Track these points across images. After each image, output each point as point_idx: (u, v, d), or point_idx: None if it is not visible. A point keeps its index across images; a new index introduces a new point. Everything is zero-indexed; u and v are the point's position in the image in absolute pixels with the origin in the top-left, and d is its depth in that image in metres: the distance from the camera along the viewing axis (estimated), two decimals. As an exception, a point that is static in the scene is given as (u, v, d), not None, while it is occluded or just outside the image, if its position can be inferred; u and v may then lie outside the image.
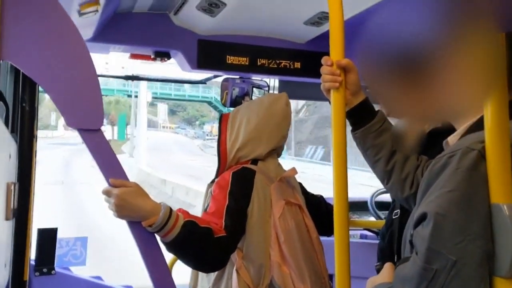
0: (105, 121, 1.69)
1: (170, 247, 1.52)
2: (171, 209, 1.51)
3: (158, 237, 1.50)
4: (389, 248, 1.83)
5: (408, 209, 1.69)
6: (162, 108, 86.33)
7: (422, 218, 0.95)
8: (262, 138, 1.82)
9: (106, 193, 1.47)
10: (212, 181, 1.86)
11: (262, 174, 1.77)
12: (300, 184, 1.99)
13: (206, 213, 1.66)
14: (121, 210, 1.45)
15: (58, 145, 42.50)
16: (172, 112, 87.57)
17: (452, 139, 1.18)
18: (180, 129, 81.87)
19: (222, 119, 1.90)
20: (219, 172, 1.84)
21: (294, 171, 1.89)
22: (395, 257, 1.79)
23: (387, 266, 1.19)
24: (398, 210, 1.82)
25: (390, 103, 1.52)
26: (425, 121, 1.59)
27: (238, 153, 1.81)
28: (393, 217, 1.85)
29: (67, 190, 16.87)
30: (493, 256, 0.90)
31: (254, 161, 1.83)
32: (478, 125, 1.07)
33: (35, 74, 1.40)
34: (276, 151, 1.92)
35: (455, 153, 0.97)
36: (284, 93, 2.02)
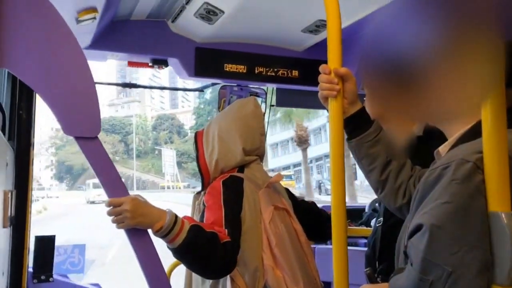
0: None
1: (178, 252, 1.54)
2: (176, 215, 1.54)
3: (165, 244, 1.52)
4: (373, 254, 1.85)
5: (390, 218, 1.70)
6: (169, 156, 57.54)
7: (417, 229, 0.95)
8: (236, 141, 1.82)
9: (115, 202, 1.48)
10: (198, 193, 1.87)
11: (249, 181, 1.78)
12: (287, 189, 2.00)
13: (207, 223, 1.66)
14: (135, 216, 1.48)
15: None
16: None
17: (443, 148, 1.18)
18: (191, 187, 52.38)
19: (197, 136, 1.92)
20: (204, 185, 1.85)
21: (279, 177, 1.91)
22: (377, 263, 1.80)
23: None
24: (382, 219, 1.84)
25: (385, 105, 1.53)
26: (418, 121, 1.60)
27: (219, 164, 1.82)
28: (377, 225, 1.86)
29: None
30: (492, 265, 0.90)
31: (240, 169, 1.83)
32: (469, 135, 1.08)
33: (32, 82, 1.40)
34: (259, 157, 1.92)
35: (449, 165, 0.97)
36: (252, 97, 2.01)
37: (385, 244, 1.78)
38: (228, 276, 1.65)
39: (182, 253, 1.54)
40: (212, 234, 1.55)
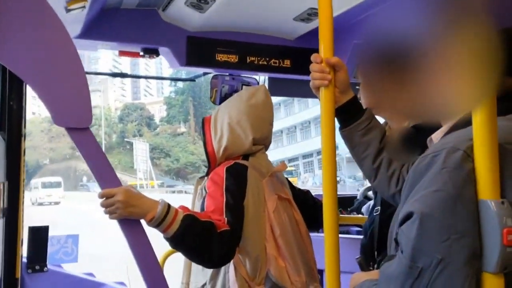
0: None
1: (173, 242, 1.54)
2: (169, 204, 1.54)
3: (158, 235, 1.53)
4: (370, 244, 1.85)
5: (389, 206, 1.71)
6: (141, 150, 50.14)
7: (408, 217, 0.96)
8: (247, 131, 1.82)
9: (107, 193, 1.49)
10: (201, 177, 1.87)
11: (254, 169, 1.78)
12: (287, 178, 2.00)
13: (205, 212, 1.66)
14: (128, 206, 1.48)
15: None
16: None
17: (436, 136, 1.19)
18: (171, 187, 44.70)
19: (205, 121, 1.91)
20: (209, 171, 1.84)
21: (284, 166, 1.91)
22: (376, 253, 1.81)
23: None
24: (379, 207, 1.84)
25: (380, 97, 1.54)
26: (411, 118, 1.61)
27: (226, 151, 1.81)
28: (374, 214, 1.87)
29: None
30: (481, 253, 0.91)
31: (245, 157, 1.83)
32: (463, 122, 1.08)
33: (22, 72, 1.39)
34: (265, 146, 1.92)
35: (440, 153, 0.97)
36: (262, 85, 2.01)
37: (383, 233, 1.77)
38: (231, 264, 1.65)
39: (176, 243, 1.55)
40: (207, 223, 1.55)
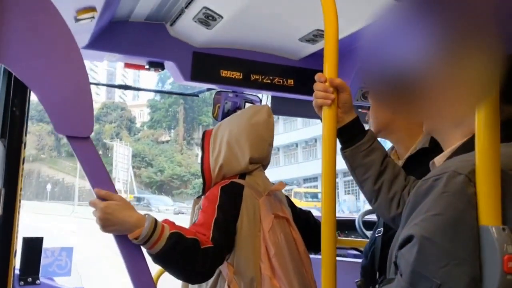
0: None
1: (157, 259, 1.49)
2: (156, 221, 1.49)
3: (144, 249, 1.48)
4: (371, 266, 1.83)
5: (391, 228, 1.70)
6: (122, 155, 42.00)
7: (408, 240, 0.95)
8: (244, 150, 1.80)
9: (93, 205, 1.45)
10: (198, 197, 1.85)
11: (250, 188, 1.76)
12: (287, 197, 1.99)
13: (195, 224, 1.64)
14: (107, 224, 1.43)
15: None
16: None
17: (438, 160, 1.19)
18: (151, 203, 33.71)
19: (205, 136, 1.88)
20: (205, 189, 1.82)
21: (281, 185, 1.89)
22: (377, 274, 1.79)
23: None
24: (381, 229, 1.83)
25: (392, 112, 1.56)
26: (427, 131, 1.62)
27: (222, 169, 1.79)
28: (376, 235, 1.85)
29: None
30: (480, 280, 0.89)
31: (242, 175, 1.82)
32: (465, 147, 1.08)
33: (27, 78, 1.39)
34: (263, 165, 1.91)
35: (441, 176, 0.97)
36: (266, 105, 2.01)
37: (385, 255, 1.76)
38: (225, 284, 1.63)
39: (160, 260, 1.50)
40: (192, 240, 1.52)
